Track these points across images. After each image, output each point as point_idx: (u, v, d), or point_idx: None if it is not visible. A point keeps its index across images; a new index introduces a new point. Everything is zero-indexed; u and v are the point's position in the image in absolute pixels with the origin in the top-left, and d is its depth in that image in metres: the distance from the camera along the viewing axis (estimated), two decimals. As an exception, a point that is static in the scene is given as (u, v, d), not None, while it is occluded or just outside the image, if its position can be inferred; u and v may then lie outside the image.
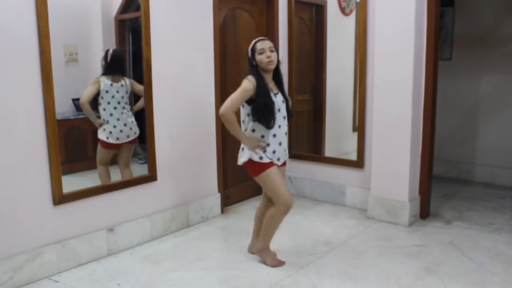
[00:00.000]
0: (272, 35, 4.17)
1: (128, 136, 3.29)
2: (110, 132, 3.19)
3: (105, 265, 2.91)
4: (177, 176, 3.51)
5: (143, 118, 3.27)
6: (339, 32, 4.76)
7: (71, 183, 2.85)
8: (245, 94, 2.62)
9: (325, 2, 4.65)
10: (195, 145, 3.62)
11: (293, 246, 3.20)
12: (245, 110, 2.73)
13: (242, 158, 2.75)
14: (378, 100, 3.64)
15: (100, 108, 3.16)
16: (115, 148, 3.26)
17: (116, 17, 3.31)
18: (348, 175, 4.06)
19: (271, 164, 2.72)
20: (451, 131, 4.95)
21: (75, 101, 3.12)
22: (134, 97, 3.34)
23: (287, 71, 4.26)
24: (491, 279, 2.68)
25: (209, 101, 3.69)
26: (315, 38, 4.65)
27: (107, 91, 3.14)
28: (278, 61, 2.74)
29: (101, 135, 3.18)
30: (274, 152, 2.73)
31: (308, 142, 4.78)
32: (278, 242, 3.05)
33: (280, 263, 2.87)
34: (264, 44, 2.68)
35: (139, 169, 3.37)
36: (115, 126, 3.21)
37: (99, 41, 3.25)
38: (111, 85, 3.16)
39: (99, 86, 3.11)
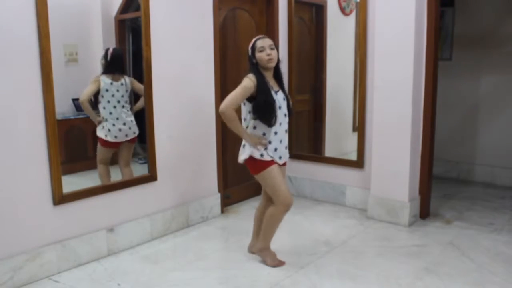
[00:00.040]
0: (272, 35, 4.16)
1: (126, 135, 3.29)
2: (109, 130, 3.19)
3: (105, 265, 2.91)
4: (177, 176, 3.51)
5: (143, 118, 3.27)
6: (339, 32, 4.76)
7: (71, 183, 2.85)
8: (245, 91, 2.62)
9: (325, 2, 4.65)
10: (195, 145, 3.62)
11: (293, 246, 3.20)
12: (246, 108, 2.72)
13: (242, 155, 2.75)
14: (378, 100, 3.64)
15: (100, 107, 3.16)
16: (114, 147, 3.26)
17: (116, 17, 3.31)
18: (348, 175, 4.06)
19: (272, 162, 2.71)
20: (451, 131, 4.95)
21: (75, 101, 3.12)
22: (134, 97, 3.34)
23: (287, 71, 4.26)
24: (491, 279, 2.68)
25: (209, 101, 3.69)
26: (315, 38, 4.65)
27: (107, 90, 3.15)
28: (278, 59, 2.74)
29: (100, 132, 3.18)
30: (275, 149, 2.73)
31: (308, 142, 4.78)
32: (278, 242, 3.05)
33: (280, 263, 2.87)
34: (264, 42, 2.68)
35: (139, 169, 3.37)
36: (114, 125, 3.21)
37: (99, 41, 3.25)
38: (111, 83, 3.16)
39: (99, 85, 3.12)
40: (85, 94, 3.06)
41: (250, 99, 2.67)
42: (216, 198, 3.83)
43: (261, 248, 2.88)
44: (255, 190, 4.17)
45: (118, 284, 2.66)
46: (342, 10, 4.72)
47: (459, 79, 4.87)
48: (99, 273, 2.81)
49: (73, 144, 3.19)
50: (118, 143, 3.26)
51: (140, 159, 3.50)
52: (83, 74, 3.16)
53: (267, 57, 2.65)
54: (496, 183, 4.81)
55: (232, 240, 3.33)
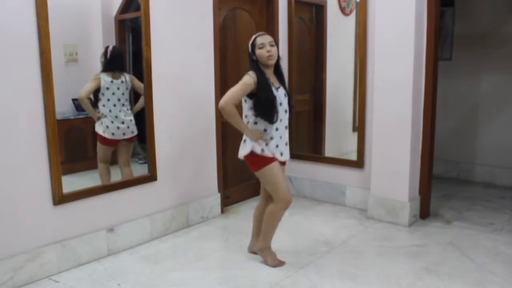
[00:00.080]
0: (272, 35, 4.12)
1: (124, 134, 3.29)
2: (107, 127, 3.19)
3: (105, 265, 2.91)
4: (177, 176, 3.51)
5: (143, 118, 3.27)
6: (339, 32, 4.76)
7: (71, 183, 2.85)
8: (246, 88, 2.62)
9: (325, 2, 4.65)
10: (195, 145, 3.62)
11: (293, 246, 3.20)
12: (247, 105, 2.72)
13: (243, 151, 2.74)
14: (378, 100, 3.64)
15: (100, 104, 3.16)
16: (112, 144, 3.25)
17: (116, 17, 3.31)
18: (348, 175, 4.06)
19: (273, 159, 2.71)
20: (451, 131, 4.95)
21: (75, 101, 3.12)
22: (134, 97, 3.34)
23: (287, 71, 4.26)
24: (491, 279, 2.68)
25: (209, 101, 3.69)
26: (315, 38, 4.65)
27: (107, 88, 3.15)
28: (279, 56, 2.73)
29: (98, 128, 3.18)
30: (277, 146, 2.73)
31: (308, 142, 4.78)
32: (278, 242, 3.05)
33: (280, 263, 2.87)
34: (264, 39, 2.67)
35: (139, 169, 3.37)
36: (113, 122, 3.21)
37: (99, 41, 3.25)
38: (112, 82, 3.16)
39: (99, 82, 3.12)
40: (84, 91, 3.07)
41: (251, 95, 2.66)
42: (216, 198, 3.83)
43: (262, 248, 2.88)
44: (255, 190, 4.17)
45: (118, 284, 2.66)
46: (342, 10, 4.72)
47: (459, 79, 4.87)
48: (99, 273, 2.81)
49: (73, 144, 3.19)
50: (116, 141, 3.26)
51: (140, 159, 3.50)
52: (83, 74, 3.16)
53: (267, 54, 2.65)
54: (496, 183, 4.81)
55: (232, 240, 3.33)
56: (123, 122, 3.26)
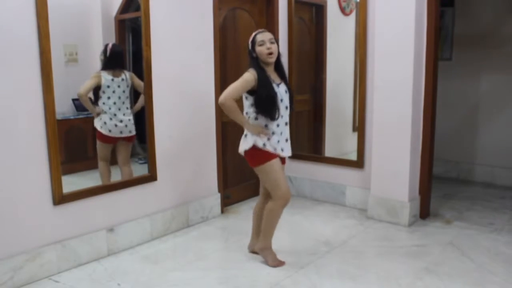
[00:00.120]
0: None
1: (121, 132, 3.28)
2: (105, 123, 3.19)
3: (105, 265, 2.91)
4: (177, 176, 3.51)
5: (143, 117, 3.27)
6: (339, 32, 4.76)
7: (71, 183, 2.85)
8: (246, 84, 2.61)
9: (325, 2, 4.65)
10: (195, 145, 3.62)
11: (293, 246, 3.20)
12: (248, 102, 2.71)
13: (244, 145, 2.73)
14: (378, 100, 3.64)
15: (100, 102, 3.17)
16: (110, 142, 3.25)
17: (116, 17, 3.31)
18: (348, 175, 4.06)
19: (274, 155, 2.71)
20: (451, 131, 4.95)
21: (75, 101, 3.12)
22: (134, 96, 3.34)
23: (287, 71, 4.25)
24: (491, 279, 2.68)
25: (209, 101, 3.69)
26: (315, 38, 4.65)
27: (108, 86, 3.15)
28: (279, 53, 2.73)
29: (96, 124, 3.19)
30: (278, 141, 2.72)
31: (308, 142, 4.78)
32: (278, 242, 3.05)
33: (280, 263, 2.87)
34: (264, 36, 2.67)
35: (139, 169, 3.37)
36: (111, 119, 3.21)
37: (99, 41, 3.25)
38: (112, 80, 3.17)
39: (99, 80, 3.12)
40: (84, 87, 3.07)
41: (251, 92, 2.65)
42: (216, 198, 3.83)
43: (263, 248, 2.88)
44: (255, 190, 4.16)
45: (118, 284, 2.66)
46: (342, 10, 4.72)
47: (459, 79, 4.87)
48: (99, 273, 2.81)
49: (73, 144, 3.19)
50: (114, 139, 3.25)
51: (140, 159, 3.50)
52: (83, 74, 3.16)
53: (267, 51, 2.64)
54: (496, 183, 4.81)
55: (232, 240, 3.33)
56: (121, 121, 3.26)
